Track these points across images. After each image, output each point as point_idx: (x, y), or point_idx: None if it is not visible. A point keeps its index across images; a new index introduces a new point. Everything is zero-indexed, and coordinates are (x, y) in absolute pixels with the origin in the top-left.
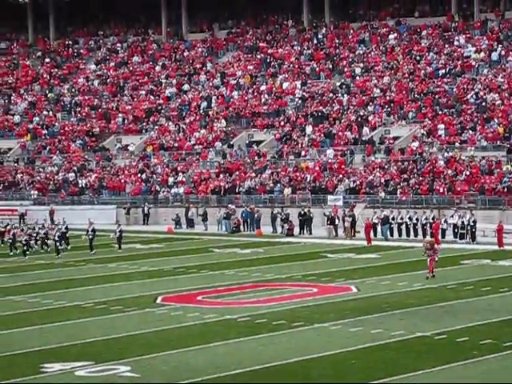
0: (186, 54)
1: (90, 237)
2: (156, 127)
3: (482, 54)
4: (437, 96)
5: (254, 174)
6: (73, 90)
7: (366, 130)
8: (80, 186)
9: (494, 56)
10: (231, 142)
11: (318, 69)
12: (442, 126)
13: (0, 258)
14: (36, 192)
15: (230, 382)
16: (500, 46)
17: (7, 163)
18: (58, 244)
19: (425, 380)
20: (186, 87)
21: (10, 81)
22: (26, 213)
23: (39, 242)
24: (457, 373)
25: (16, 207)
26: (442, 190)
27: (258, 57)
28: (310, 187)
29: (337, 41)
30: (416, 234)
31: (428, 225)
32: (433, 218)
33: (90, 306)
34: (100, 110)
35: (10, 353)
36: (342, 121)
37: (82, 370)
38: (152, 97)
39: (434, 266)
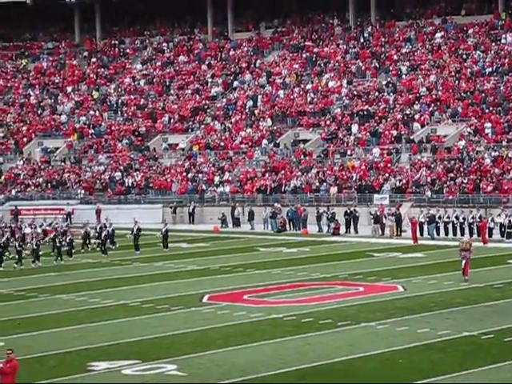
0: (231, 53)
1: (136, 236)
2: (202, 126)
3: None
4: (483, 94)
5: (299, 173)
6: (119, 89)
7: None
8: (126, 185)
9: None
10: (277, 141)
11: (363, 67)
12: (488, 124)
13: (46, 258)
14: (83, 191)
15: (276, 381)
16: None
17: (54, 163)
18: (104, 243)
19: (471, 380)
20: (233, 85)
21: (56, 80)
22: (72, 212)
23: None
24: (504, 373)
25: (63, 206)
26: (488, 189)
27: (304, 56)
28: (355, 186)
29: (383, 39)
30: (462, 233)
31: (475, 224)
32: (479, 217)
33: (136, 304)
34: (146, 110)
35: (59, 351)
36: (388, 119)
37: (128, 369)
38: (198, 96)
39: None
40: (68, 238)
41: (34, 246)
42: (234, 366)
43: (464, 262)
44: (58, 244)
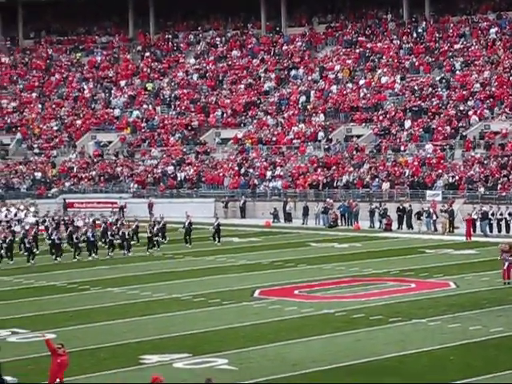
0: (284, 48)
1: (187, 230)
2: (254, 121)
3: None
4: None
5: (352, 169)
6: (172, 83)
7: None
8: (179, 179)
9: None
10: (329, 137)
11: (417, 63)
12: None
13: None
14: (135, 185)
15: (326, 377)
16: None
17: (107, 156)
18: (156, 237)
19: None
20: (286, 80)
21: (110, 74)
22: (125, 205)
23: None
24: None
25: (116, 200)
26: None
27: (357, 51)
28: (408, 182)
29: (436, 35)
30: None
31: None
32: None
33: (188, 298)
34: (199, 104)
35: (110, 344)
36: (442, 115)
37: (180, 362)
38: (251, 91)
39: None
40: (121, 232)
41: (91, 238)
42: (284, 360)
43: (506, 264)
44: (110, 237)
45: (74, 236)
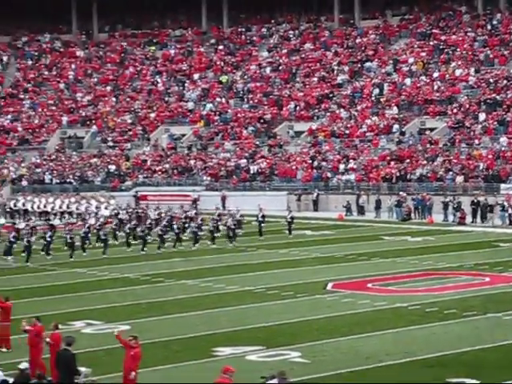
0: (358, 40)
1: (260, 223)
2: (327, 114)
3: None
4: None
5: (425, 162)
6: (245, 76)
7: None
8: (251, 172)
9: None
10: (403, 129)
11: (492, 55)
12: None
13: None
14: (208, 178)
15: (400, 371)
16: None
17: (181, 149)
18: (231, 230)
19: None
20: (359, 73)
21: (184, 68)
22: (198, 198)
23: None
24: None
25: (189, 193)
26: None
27: (431, 43)
28: (482, 175)
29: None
30: None
31: None
32: None
33: (261, 291)
34: (272, 97)
35: (183, 336)
36: None
37: (253, 355)
38: (324, 84)
39: None
40: (196, 225)
41: (160, 232)
42: (357, 354)
43: None
44: (177, 230)
45: (139, 229)
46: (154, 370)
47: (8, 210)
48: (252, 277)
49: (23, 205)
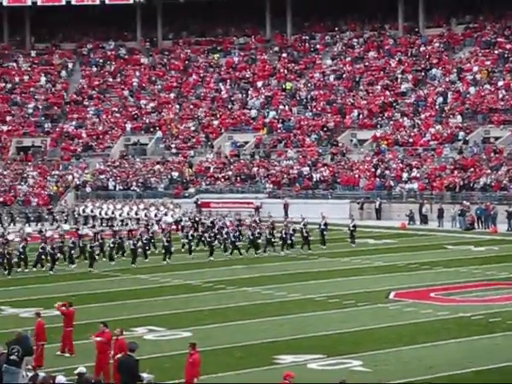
0: (422, 49)
1: (322, 231)
2: (391, 122)
3: None
4: None
5: (489, 171)
6: (309, 84)
7: None
8: (314, 180)
9: None
10: (467, 138)
11: None
12: None
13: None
14: (271, 185)
15: (463, 381)
16: None
17: (243, 156)
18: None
19: None
20: (423, 82)
21: (247, 75)
22: (261, 206)
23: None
24: None
25: (251, 200)
26: None
27: (496, 52)
28: None
29: None
30: None
31: None
32: None
33: (323, 299)
34: (335, 105)
35: (245, 343)
36: None
37: (314, 363)
38: (387, 92)
39: None
40: (257, 232)
41: (232, 238)
42: (419, 363)
43: None
44: (251, 237)
45: (207, 235)
46: (216, 376)
47: (76, 215)
48: (314, 285)
49: (91, 211)
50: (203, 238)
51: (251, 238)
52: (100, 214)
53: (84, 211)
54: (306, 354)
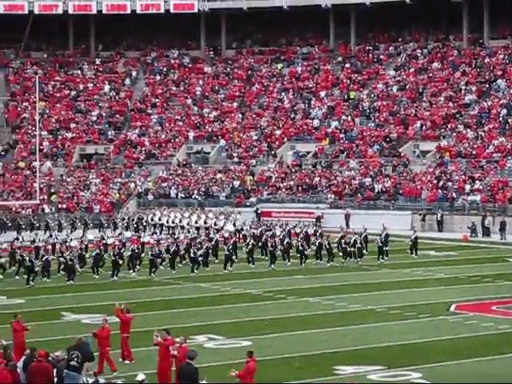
0: (486, 60)
1: (383, 242)
2: (454, 134)
3: None
4: None
5: None
6: (372, 95)
7: None
8: (376, 190)
9: None
10: None
11: None
12: None
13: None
14: (332, 196)
15: None
16: None
17: (305, 166)
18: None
19: None
20: (487, 93)
21: (310, 85)
22: (322, 216)
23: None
24: None
25: (313, 210)
26: None
27: None
28: None
29: None
30: None
31: None
32: None
33: (384, 310)
34: (398, 116)
35: (305, 353)
36: None
37: (374, 375)
38: (451, 103)
39: None
40: (318, 242)
41: (300, 247)
42: (481, 377)
43: None
44: (300, 248)
45: (269, 244)
46: None
47: (144, 223)
48: (375, 296)
49: (159, 219)
50: (264, 247)
51: (316, 248)
52: (167, 222)
53: (152, 219)
54: (367, 365)
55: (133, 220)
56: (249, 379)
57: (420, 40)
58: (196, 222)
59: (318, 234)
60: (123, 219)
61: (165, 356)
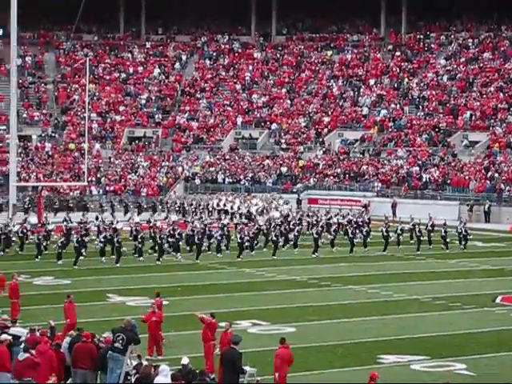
0: None
1: (429, 232)
2: (503, 125)
3: None
4: None
5: None
6: (421, 84)
7: None
8: (423, 180)
9: None
10: None
11: None
12: None
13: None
14: (380, 184)
15: None
16: None
17: (353, 154)
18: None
19: None
20: None
21: (360, 73)
22: (369, 204)
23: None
24: None
25: (359, 198)
26: None
27: None
28: None
29: None
30: None
31: None
32: None
33: (428, 300)
34: (448, 106)
35: (348, 341)
36: None
37: (417, 364)
38: (501, 94)
39: None
40: (364, 230)
41: (351, 234)
42: None
43: None
44: (350, 235)
45: (314, 231)
46: (319, 373)
47: (210, 209)
48: (420, 286)
49: (224, 205)
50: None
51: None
52: (232, 208)
53: (218, 205)
54: (410, 354)
55: (182, 204)
56: (284, 367)
57: (471, 29)
58: (238, 208)
59: (365, 222)
60: (173, 203)
61: (208, 339)
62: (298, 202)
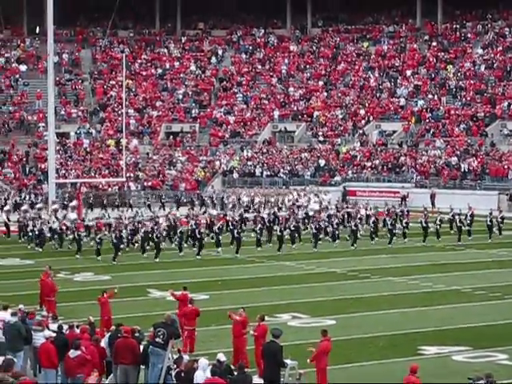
0: None
1: (468, 221)
2: None
3: None
4: None
5: None
6: (458, 73)
7: None
8: (462, 170)
9: None
10: None
11: None
12: None
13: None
14: (418, 175)
15: None
16: None
17: (391, 145)
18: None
19: None
20: None
21: (396, 64)
22: (407, 195)
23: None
24: None
25: (398, 189)
26: None
27: None
28: None
29: None
30: None
31: None
32: None
33: (468, 291)
34: (485, 95)
35: (389, 333)
36: None
37: (459, 355)
38: None
39: None
40: (404, 222)
41: (390, 226)
42: None
43: None
44: (390, 227)
45: (353, 224)
46: (359, 365)
47: (281, 204)
48: (459, 276)
49: (296, 200)
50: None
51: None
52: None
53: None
54: (451, 345)
55: (222, 198)
56: (322, 358)
57: (508, 18)
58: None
59: (404, 213)
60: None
61: (239, 333)
62: (344, 195)
